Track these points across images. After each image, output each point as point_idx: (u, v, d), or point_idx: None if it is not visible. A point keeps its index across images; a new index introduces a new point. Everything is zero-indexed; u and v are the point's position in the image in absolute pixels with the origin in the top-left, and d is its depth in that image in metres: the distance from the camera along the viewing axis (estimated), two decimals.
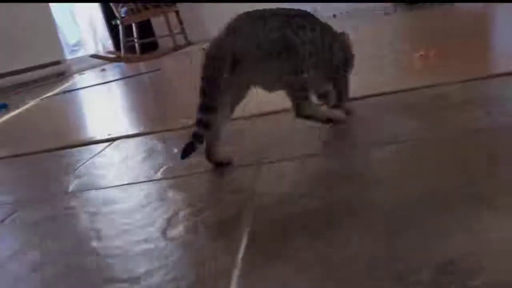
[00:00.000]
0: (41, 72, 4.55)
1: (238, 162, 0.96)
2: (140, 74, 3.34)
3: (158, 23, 6.66)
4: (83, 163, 1.20)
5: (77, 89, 3.10)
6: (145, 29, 6.18)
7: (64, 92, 3.02)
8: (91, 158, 1.24)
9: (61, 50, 4.98)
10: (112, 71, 4.47)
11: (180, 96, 2.05)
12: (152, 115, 1.77)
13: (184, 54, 4.87)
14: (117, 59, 5.01)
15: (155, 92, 2.45)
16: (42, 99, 2.86)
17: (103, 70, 4.68)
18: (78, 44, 6.44)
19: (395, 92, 1.28)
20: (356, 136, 1.03)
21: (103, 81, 3.33)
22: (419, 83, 1.30)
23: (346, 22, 4.82)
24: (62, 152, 1.36)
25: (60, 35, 5.15)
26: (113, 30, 5.80)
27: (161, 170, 1.01)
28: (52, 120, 2.13)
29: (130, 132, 1.43)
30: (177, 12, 5.12)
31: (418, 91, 1.25)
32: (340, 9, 6.79)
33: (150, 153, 1.18)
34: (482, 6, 3.72)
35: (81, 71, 5.22)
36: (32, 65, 4.39)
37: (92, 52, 6.18)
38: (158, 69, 3.38)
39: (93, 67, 5.41)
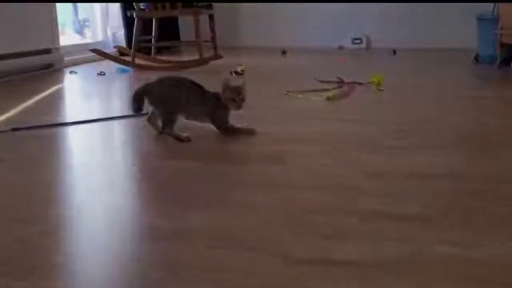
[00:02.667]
0: (23, 61, 3.48)
1: None
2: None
3: (183, 24, 5.55)
4: None
5: (52, 125, 2.03)
6: (169, 27, 5.12)
7: (24, 128, 1.95)
8: None
9: (54, 36, 3.89)
10: (113, 80, 3.39)
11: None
12: None
13: (211, 73, 3.46)
14: (123, 62, 3.92)
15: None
16: None
17: (102, 74, 3.60)
18: (88, 20, 5.38)
19: None
20: None
21: (89, 118, 2.26)
22: None
23: (403, 68, 2.99)
24: None
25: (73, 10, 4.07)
26: (128, 21, 4.72)
27: None
28: None
29: None
30: (211, 16, 4.03)
31: None
32: (403, 43, 5.44)
33: None
34: None
35: (74, 65, 4.15)
36: (11, 51, 3.33)
37: (99, 36, 5.11)
38: None
39: (91, 61, 4.36)
